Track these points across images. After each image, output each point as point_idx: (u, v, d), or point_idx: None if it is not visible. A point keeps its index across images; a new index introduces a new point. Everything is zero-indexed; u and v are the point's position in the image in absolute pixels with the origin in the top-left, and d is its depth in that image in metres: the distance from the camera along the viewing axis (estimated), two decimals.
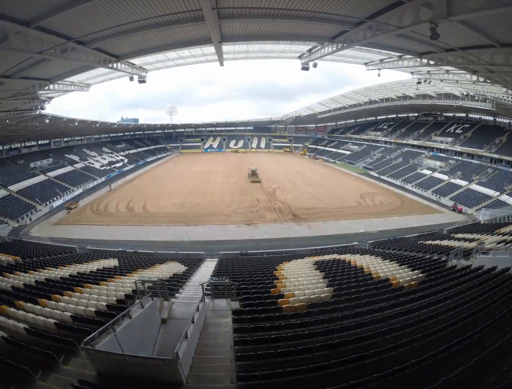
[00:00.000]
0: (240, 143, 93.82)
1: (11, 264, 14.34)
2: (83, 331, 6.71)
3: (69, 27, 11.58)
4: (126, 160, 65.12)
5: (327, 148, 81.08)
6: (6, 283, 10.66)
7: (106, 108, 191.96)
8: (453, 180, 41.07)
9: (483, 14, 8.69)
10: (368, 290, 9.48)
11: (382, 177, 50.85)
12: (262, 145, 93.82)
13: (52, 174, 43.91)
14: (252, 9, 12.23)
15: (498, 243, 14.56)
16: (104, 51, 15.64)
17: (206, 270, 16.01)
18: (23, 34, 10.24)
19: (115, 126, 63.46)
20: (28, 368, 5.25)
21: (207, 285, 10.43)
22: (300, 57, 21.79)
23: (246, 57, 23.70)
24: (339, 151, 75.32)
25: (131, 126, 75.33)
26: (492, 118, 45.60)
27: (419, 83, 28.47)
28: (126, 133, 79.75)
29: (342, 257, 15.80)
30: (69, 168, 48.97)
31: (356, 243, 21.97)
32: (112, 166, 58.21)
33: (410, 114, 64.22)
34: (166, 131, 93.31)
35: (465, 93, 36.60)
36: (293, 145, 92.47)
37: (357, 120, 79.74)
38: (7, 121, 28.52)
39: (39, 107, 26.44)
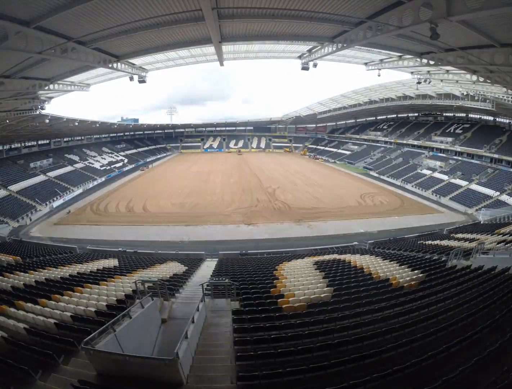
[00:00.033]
0: (240, 143, 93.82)
1: (11, 264, 14.34)
2: (83, 331, 6.71)
3: (69, 27, 11.58)
4: (126, 160, 65.13)
5: (327, 148, 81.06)
6: (6, 283, 10.65)
7: (106, 108, 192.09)
8: (453, 180, 41.06)
9: (483, 14, 8.69)
10: (368, 290, 9.47)
11: (382, 177, 50.85)
12: (262, 145, 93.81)
13: (52, 174, 43.92)
14: (252, 9, 12.23)
15: (498, 243, 14.56)
16: (104, 51, 15.65)
17: (206, 270, 16.02)
18: (23, 34, 10.24)
19: (115, 126, 63.51)
20: (28, 368, 5.25)
21: (207, 285, 10.43)
22: (300, 57, 21.80)
23: (246, 57, 23.71)
24: (339, 151, 75.31)
25: (131, 126, 75.33)
26: (492, 118, 45.59)
27: (419, 83, 28.47)
28: (126, 133, 79.78)
29: (342, 257, 15.80)
30: (69, 168, 48.98)
31: (356, 243, 21.96)
32: (112, 166, 58.22)
33: (410, 114, 64.20)
34: (166, 131, 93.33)
35: (465, 93, 36.58)
36: (293, 145, 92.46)
37: (357, 120, 79.72)
38: (7, 121, 28.54)
39: (39, 107, 26.45)
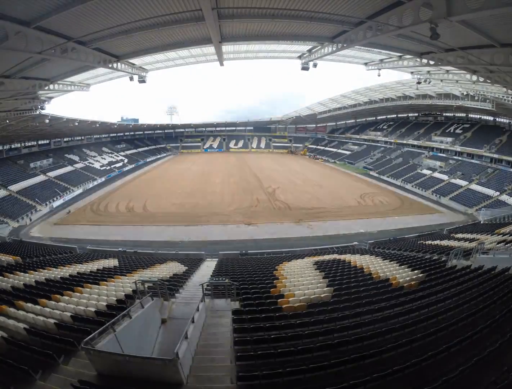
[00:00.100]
0: (240, 143, 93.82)
1: (11, 264, 14.33)
2: (83, 331, 6.71)
3: (69, 27, 11.58)
4: (126, 160, 65.12)
5: (327, 148, 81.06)
6: (6, 283, 10.65)
7: (106, 108, 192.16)
8: (453, 180, 41.06)
9: (483, 14, 8.70)
10: (368, 290, 9.47)
11: (382, 177, 50.86)
12: (262, 145, 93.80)
13: (52, 174, 43.91)
14: (252, 9, 12.24)
15: (498, 243, 14.55)
16: (104, 51, 15.64)
17: (206, 270, 16.02)
18: (23, 34, 10.23)
19: (115, 126, 63.52)
20: (28, 368, 5.25)
21: (207, 285, 10.43)
22: (300, 57, 21.80)
23: (246, 57, 23.71)
24: (339, 151, 75.30)
25: (131, 126, 75.33)
26: (492, 118, 45.59)
27: (419, 83, 28.47)
28: (126, 133, 79.74)
29: (342, 257, 15.79)
30: (69, 168, 48.97)
31: (356, 243, 21.96)
32: (112, 166, 58.21)
33: (410, 114, 64.19)
34: (166, 131, 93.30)
35: (465, 93, 36.58)
36: (293, 145, 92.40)
37: (357, 120, 79.72)
38: (7, 121, 28.54)
39: (39, 107, 26.46)
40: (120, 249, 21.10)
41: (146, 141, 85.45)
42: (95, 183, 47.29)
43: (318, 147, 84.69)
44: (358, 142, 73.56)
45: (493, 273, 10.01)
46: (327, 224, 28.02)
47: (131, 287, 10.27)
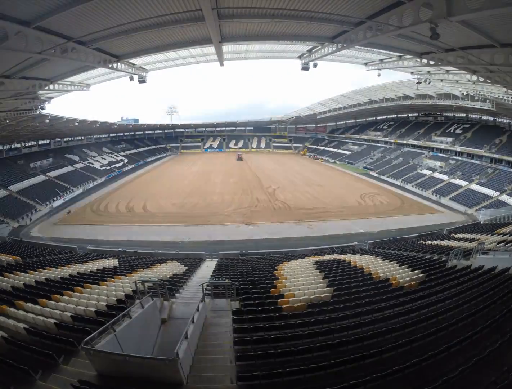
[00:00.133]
0: (240, 143, 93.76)
1: (11, 264, 14.34)
2: (83, 331, 6.72)
3: (69, 27, 11.58)
4: (126, 160, 65.10)
5: (327, 148, 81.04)
6: (6, 283, 10.65)
7: (106, 108, 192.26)
8: (453, 180, 41.06)
9: (483, 14, 8.69)
10: (368, 290, 9.48)
11: (382, 177, 50.84)
12: (262, 145, 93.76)
13: (52, 174, 43.92)
14: (252, 9, 12.23)
15: (498, 243, 14.56)
16: (104, 51, 15.64)
17: (206, 270, 16.02)
18: (23, 34, 10.22)
19: (115, 126, 63.49)
20: (28, 368, 5.25)
21: (207, 285, 10.43)
22: (300, 57, 21.79)
23: (246, 57, 23.70)
24: (339, 151, 75.29)
25: (131, 126, 75.32)
26: (492, 118, 45.54)
27: (419, 83, 28.48)
28: (126, 133, 79.71)
29: (342, 257, 15.79)
30: (69, 168, 48.98)
31: (356, 243, 21.96)
32: (112, 166, 58.21)
33: (410, 114, 64.14)
34: (166, 131, 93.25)
35: (465, 93, 36.56)
36: (293, 145, 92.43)
37: (357, 120, 79.68)
38: (7, 121, 28.54)
39: (39, 107, 26.42)
40: (120, 249, 21.10)
41: (146, 141, 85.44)
42: (95, 183, 47.29)
43: (318, 147, 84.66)
44: (358, 142, 73.54)
45: (493, 273, 10.02)
46: (327, 224, 28.02)
47: (131, 287, 10.28)
